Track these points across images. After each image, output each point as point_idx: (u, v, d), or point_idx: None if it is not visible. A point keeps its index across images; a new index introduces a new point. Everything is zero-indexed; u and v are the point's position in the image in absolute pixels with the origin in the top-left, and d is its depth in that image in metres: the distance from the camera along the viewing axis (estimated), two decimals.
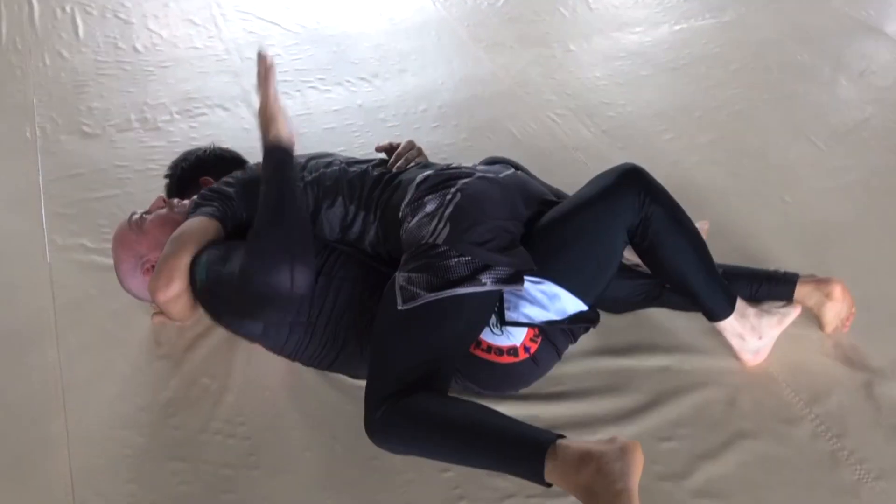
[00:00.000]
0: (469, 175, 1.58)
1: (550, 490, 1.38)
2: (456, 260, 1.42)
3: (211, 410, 1.58)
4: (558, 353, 1.57)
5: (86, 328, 1.76)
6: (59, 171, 2.21)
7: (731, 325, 1.59)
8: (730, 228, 1.96)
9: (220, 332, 1.72)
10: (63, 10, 2.99)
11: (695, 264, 1.55)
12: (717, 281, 1.57)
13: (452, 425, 1.31)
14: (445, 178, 1.58)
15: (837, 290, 1.67)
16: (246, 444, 1.52)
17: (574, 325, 1.52)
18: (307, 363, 1.59)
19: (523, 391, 1.60)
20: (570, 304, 1.49)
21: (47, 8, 3.01)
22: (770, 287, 1.68)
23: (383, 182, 1.66)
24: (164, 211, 1.68)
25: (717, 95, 2.52)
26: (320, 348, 1.54)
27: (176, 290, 1.51)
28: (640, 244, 1.55)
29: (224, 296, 1.47)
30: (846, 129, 2.36)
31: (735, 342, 1.62)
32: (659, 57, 2.72)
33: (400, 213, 1.56)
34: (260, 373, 1.66)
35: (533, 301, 1.48)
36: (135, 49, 2.76)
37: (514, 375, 1.54)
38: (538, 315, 1.48)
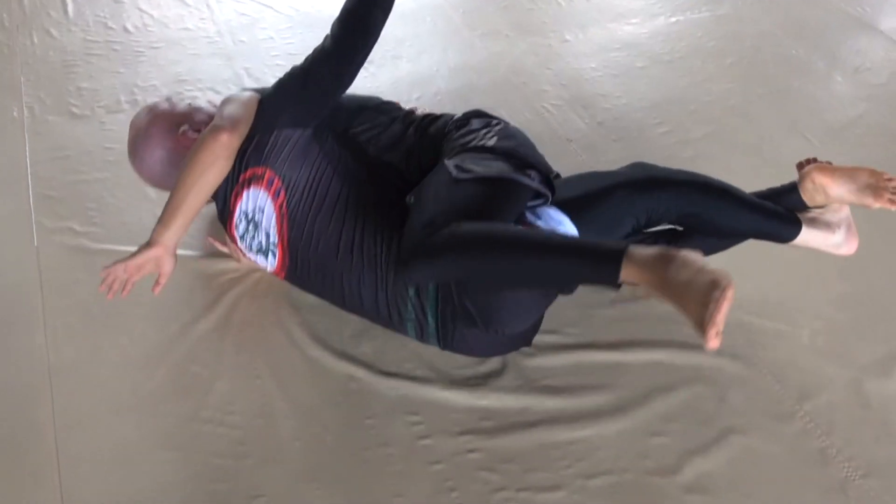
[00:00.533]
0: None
1: (539, 483, 1.38)
2: (503, 157, 1.52)
3: (201, 398, 1.57)
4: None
5: (73, 312, 1.74)
6: (47, 153, 2.17)
7: (806, 237, 1.63)
8: None
9: (214, 318, 1.71)
10: None
11: (745, 216, 1.60)
12: (771, 213, 1.62)
13: (512, 233, 1.37)
14: (486, 115, 1.70)
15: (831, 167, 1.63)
16: (236, 433, 1.51)
17: None
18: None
19: (514, 381, 1.60)
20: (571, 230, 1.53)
21: None
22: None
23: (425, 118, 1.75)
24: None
25: (712, 89, 2.51)
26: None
27: (241, 129, 1.58)
28: (679, 228, 1.66)
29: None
30: (840, 126, 2.36)
31: (822, 245, 1.66)
32: (654, 49, 2.71)
33: (445, 129, 1.66)
34: (251, 361, 1.65)
35: (543, 220, 1.52)
36: (125, 29, 2.72)
37: (516, 304, 1.50)
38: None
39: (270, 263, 1.68)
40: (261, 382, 1.60)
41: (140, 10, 2.83)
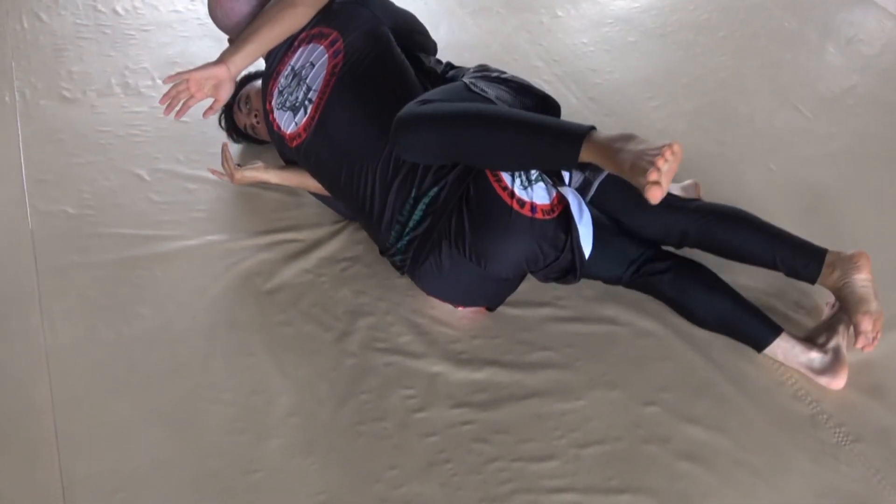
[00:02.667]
0: None
1: (533, 453, 1.40)
2: (517, 90, 1.66)
3: (197, 377, 1.58)
4: (556, 247, 1.55)
5: (69, 294, 1.75)
6: (40, 137, 2.17)
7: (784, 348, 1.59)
8: (716, 195, 1.95)
9: (208, 297, 1.72)
10: None
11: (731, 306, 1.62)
12: (754, 315, 1.62)
13: (487, 108, 1.50)
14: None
15: (863, 260, 1.57)
16: (231, 409, 1.53)
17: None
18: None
19: (507, 355, 1.61)
20: (586, 236, 1.57)
21: None
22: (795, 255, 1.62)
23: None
24: None
25: (705, 62, 2.51)
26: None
27: None
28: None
29: None
30: (832, 97, 2.36)
31: (801, 365, 1.59)
32: (646, 23, 2.70)
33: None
34: (245, 339, 1.66)
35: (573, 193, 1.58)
36: (115, 12, 2.70)
37: (512, 231, 1.52)
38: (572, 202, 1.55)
39: (297, 121, 1.75)
40: (255, 360, 1.62)
41: None
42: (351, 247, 1.86)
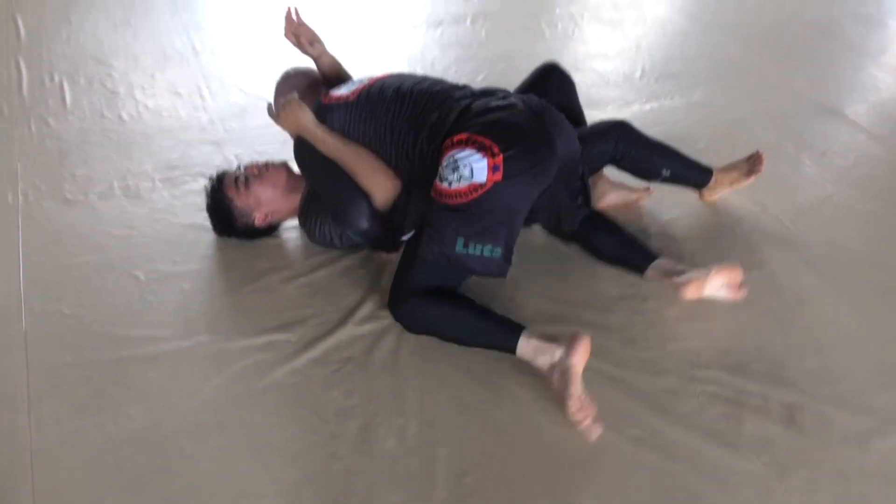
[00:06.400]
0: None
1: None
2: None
3: (184, 478, 1.57)
4: (533, 174, 1.83)
5: (59, 394, 1.75)
6: (40, 237, 2.23)
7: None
8: (703, 301, 2.01)
9: (198, 398, 1.73)
10: (51, 78, 3.05)
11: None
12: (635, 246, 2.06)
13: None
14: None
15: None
16: None
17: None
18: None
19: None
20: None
21: (36, 76, 3.07)
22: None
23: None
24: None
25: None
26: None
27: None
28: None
29: None
30: (810, 206, 2.44)
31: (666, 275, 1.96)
32: None
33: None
34: (235, 442, 1.66)
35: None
36: (120, 118, 2.82)
37: (496, 205, 1.79)
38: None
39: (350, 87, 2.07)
40: (243, 462, 1.61)
41: (135, 99, 2.94)
42: (342, 348, 1.88)
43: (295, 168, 2.17)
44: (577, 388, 1.66)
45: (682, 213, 2.38)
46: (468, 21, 3.61)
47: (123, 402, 1.74)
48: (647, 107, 2.99)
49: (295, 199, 2.13)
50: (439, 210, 1.82)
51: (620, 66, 3.27)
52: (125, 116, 2.83)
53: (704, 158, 2.60)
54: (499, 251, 1.82)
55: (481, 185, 1.77)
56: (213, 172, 2.18)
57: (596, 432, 1.65)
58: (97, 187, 2.44)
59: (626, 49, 3.43)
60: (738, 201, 2.43)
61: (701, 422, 1.72)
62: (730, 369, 1.84)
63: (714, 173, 2.33)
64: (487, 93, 1.99)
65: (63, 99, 2.92)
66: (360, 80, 2.09)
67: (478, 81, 3.09)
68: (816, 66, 3.31)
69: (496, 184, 1.77)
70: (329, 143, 1.97)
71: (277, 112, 2.04)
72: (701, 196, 2.39)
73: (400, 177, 1.98)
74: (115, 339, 1.90)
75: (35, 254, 2.16)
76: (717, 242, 2.27)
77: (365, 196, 1.96)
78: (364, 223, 1.99)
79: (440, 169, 1.83)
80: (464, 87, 2.03)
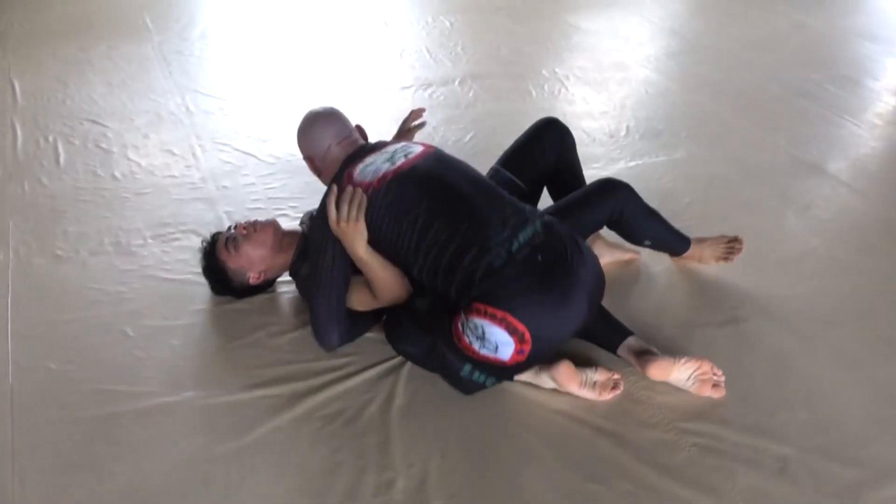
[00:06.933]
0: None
1: None
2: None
3: None
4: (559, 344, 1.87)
5: (43, 451, 1.73)
6: (30, 294, 2.23)
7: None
8: (688, 349, 2.02)
9: (184, 455, 1.71)
10: (46, 139, 3.10)
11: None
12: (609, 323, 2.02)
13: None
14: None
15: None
16: None
17: None
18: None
19: None
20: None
21: (31, 137, 3.11)
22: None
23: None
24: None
25: (673, 225, 2.64)
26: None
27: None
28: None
29: None
30: (794, 259, 2.48)
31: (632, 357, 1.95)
32: None
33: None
34: (218, 500, 1.64)
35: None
36: (113, 177, 2.85)
37: (515, 371, 1.84)
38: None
39: (396, 161, 1.93)
40: None
41: (129, 159, 2.98)
42: (329, 404, 1.87)
43: (284, 225, 2.19)
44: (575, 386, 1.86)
45: (666, 267, 2.40)
46: (456, 83, 3.69)
47: (108, 459, 1.72)
48: (633, 164, 3.04)
49: (287, 256, 2.14)
50: (457, 349, 1.82)
51: (606, 125, 3.34)
52: (118, 175, 2.86)
53: (689, 213, 2.66)
54: (494, 382, 1.86)
55: (503, 362, 1.78)
56: (206, 231, 2.20)
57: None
58: (88, 244, 2.46)
59: (611, 109, 3.51)
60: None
61: (692, 474, 1.71)
62: (720, 422, 1.84)
63: (692, 245, 2.33)
64: (519, 225, 1.83)
65: (57, 159, 2.95)
66: (388, 158, 1.95)
67: (466, 141, 3.16)
68: (796, 124, 3.40)
69: (518, 363, 1.79)
70: (367, 267, 1.92)
71: (338, 218, 1.85)
72: (672, 257, 2.41)
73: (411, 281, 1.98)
74: (101, 395, 1.89)
75: (24, 310, 2.16)
76: (702, 295, 2.29)
77: (340, 324, 1.95)
78: (335, 343, 1.98)
79: (464, 321, 1.77)
80: (502, 209, 1.86)
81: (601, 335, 1.99)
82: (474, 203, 1.87)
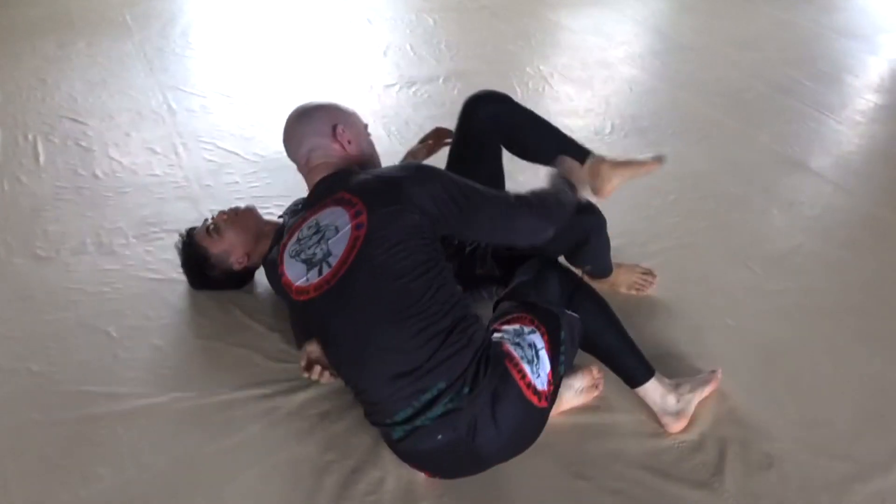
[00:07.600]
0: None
1: None
2: None
3: None
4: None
5: (26, 454, 1.70)
6: (10, 295, 2.19)
7: (651, 389, 1.81)
8: (678, 351, 2.02)
9: (170, 456, 1.69)
10: (25, 137, 3.05)
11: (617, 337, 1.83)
12: (636, 351, 1.83)
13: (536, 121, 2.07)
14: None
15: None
16: None
17: None
18: None
19: None
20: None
21: (10, 135, 3.06)
22: None
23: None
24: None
25: (660, 223, 2.64)
26: None
27: None
28: None
29: None
30: (780, 255, 2.49)
31: (656, 405, 1.82)
32: None
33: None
34: (207, 501, 1.61)
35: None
36: (94, 175, 2.81)
37: (528, 427, 1.57)
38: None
39: (308, 277, 1.58)
40: None
41: (110, 157, 2.93)
42: (318, 403, 1.85)
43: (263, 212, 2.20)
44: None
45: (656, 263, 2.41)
46: (441, 80, 3.68)
47: (92, 461, 1.69)
48: None
49: (265, 244, 2.13)
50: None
51: (591, 123, 3.34)
52: (100, 174, 2.82)
53: (675, 210, 2.66)
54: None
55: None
56: (184, 230, 2.18)
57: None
58: (69, 243, 2.42)
59: (596, 106, 3.51)
60: (707, 246, 2.46)
61: (681, 470, 1.71)
62: (708, 418, 1.84)
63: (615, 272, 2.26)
64: (427, 406, 1.51)
65: (37, 157, 2.91)
66: (308, 260, 1.62)
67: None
68: (780, 121, 3.41)
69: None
70: None
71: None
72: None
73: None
74: (84, 397, 1.85)
75: (4, 311, 2.12)
76: (688, 291, 2.30)
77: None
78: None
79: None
80: (403, 387, 1.52)
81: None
82: (368, 375, 1.56)
